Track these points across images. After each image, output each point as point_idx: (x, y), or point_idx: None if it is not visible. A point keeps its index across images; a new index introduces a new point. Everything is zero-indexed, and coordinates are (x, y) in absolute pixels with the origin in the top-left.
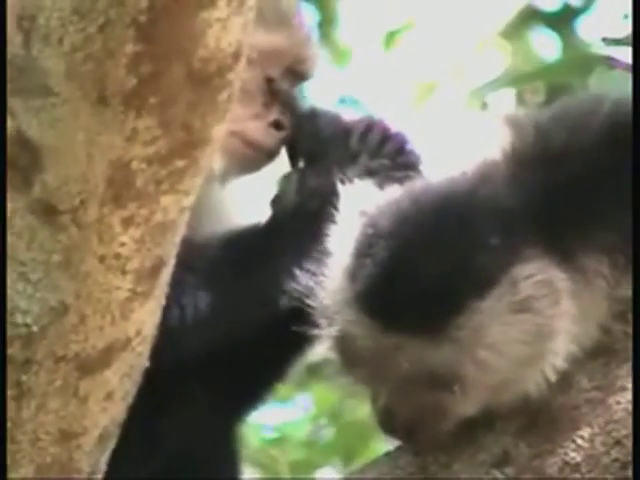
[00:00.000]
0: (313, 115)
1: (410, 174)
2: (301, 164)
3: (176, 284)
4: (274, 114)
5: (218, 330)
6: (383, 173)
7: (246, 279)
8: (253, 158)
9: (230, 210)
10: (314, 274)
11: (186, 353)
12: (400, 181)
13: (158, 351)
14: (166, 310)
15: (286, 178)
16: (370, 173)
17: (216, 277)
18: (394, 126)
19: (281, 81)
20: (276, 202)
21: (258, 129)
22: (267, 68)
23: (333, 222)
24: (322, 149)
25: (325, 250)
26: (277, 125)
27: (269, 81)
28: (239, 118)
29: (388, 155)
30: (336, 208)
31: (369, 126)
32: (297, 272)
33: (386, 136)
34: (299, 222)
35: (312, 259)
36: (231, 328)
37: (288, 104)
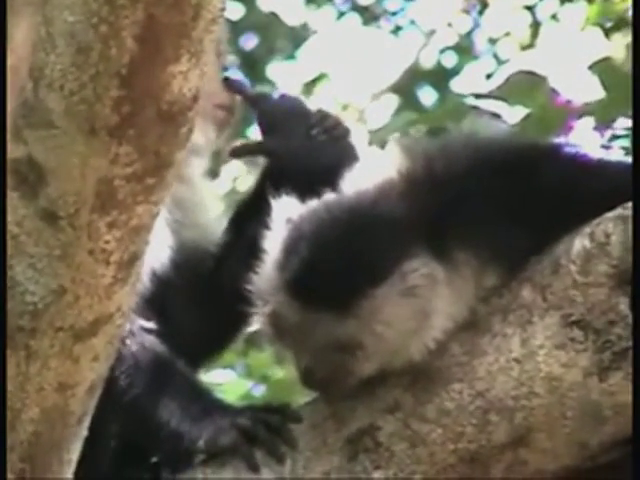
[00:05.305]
0: (284, 98)
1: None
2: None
3: None
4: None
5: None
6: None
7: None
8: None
9: (208, 206)
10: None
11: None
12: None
13: None
14: None
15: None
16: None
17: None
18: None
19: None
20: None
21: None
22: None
23: (267, 228)
24: (286, 123)
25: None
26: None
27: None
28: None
29: (336, 135)
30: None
31: (327, 114)
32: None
33: (337, 122)
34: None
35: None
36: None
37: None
